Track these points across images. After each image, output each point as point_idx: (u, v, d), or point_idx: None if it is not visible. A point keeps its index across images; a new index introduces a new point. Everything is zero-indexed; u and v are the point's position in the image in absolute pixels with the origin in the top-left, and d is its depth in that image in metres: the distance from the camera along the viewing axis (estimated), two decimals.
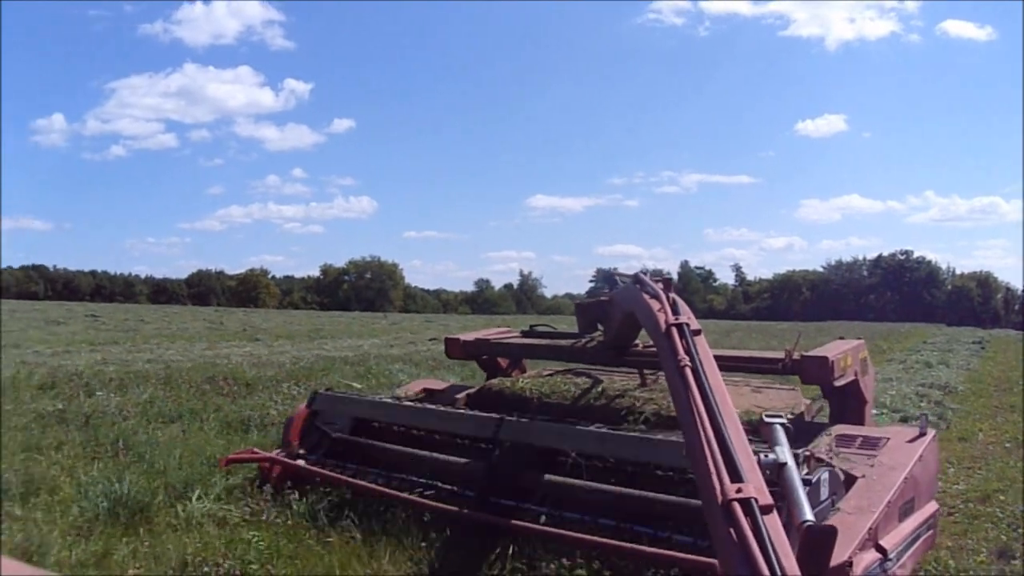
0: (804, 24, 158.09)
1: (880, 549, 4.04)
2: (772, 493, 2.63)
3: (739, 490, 2.53)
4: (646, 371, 6.17)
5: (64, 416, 9.20)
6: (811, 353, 5.47)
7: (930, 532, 4.88)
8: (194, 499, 5.61)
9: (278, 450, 6.11)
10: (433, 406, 6.13)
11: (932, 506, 4.98)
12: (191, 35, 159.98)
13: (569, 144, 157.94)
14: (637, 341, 5.80)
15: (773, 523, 2.44)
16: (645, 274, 4.83)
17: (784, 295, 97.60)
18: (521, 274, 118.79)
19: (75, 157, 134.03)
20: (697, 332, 3.75)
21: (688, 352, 3.49)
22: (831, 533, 2.86)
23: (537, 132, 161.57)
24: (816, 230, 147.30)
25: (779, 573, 2.22)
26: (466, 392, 6.76)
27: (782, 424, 3.43)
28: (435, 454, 5.54)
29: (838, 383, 5.39)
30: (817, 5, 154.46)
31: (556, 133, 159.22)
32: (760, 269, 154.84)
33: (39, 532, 5.02)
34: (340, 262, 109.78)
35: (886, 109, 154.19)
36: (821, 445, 4.81)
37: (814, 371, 5.35)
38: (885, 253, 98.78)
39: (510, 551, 4.43)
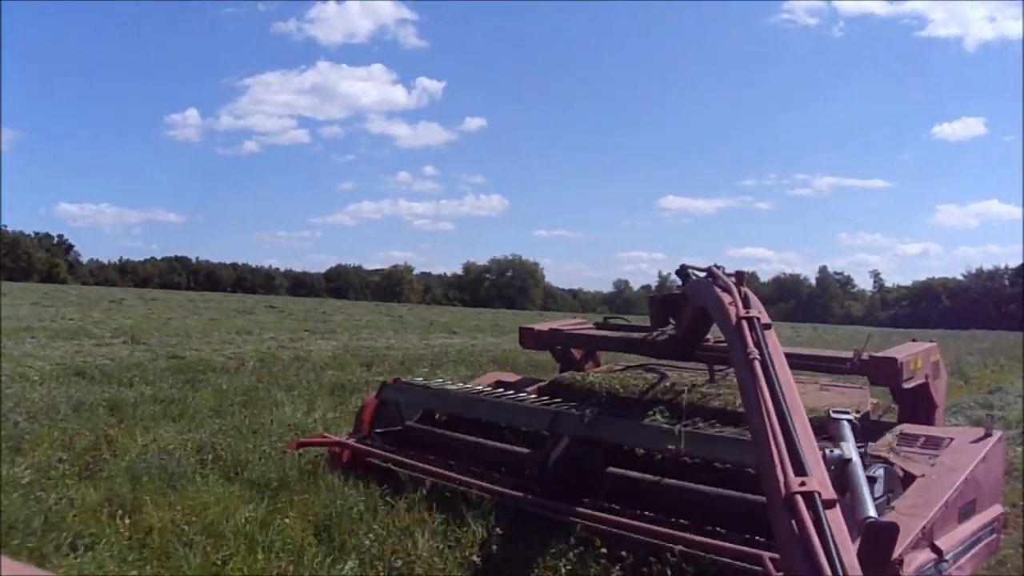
0: (942, 24, 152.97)
1: (935, 549, 3.97)
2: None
3: (803, 484, 2.53)
4: (716, 367, 6.17)
5: None
6: (880, 354, 5.42)
7: (993, 536, 4.75)
8: None
9: (348, 435, 6.35)
10: (497, 397, 6.21)
11: (996, 509, 4.85)
12: (324, 34, 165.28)
13: (701, 145, 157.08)
14: (708, 336, 5.80)
15: (835, 518, 2.43)
16: (719, 268, 4.80)
17: (923, 302, 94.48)
18: (660, 275, 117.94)
19: (209, 152, 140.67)
20: (767, 326, 3.75)
21: (757, 345, 3.50)
22: (893, 530, 2.84)
23: (669, 133, 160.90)
24: (953, 236, 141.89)
25: (839, 568, 2.20)
26: (537, 385, 6.81)
27: (849, 420, 3.43)
28: (502, 444, 5.69)
29: (907, 385, 5.33)
30: (955, 5, 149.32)
31: (688, 134, 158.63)
32: (894, 275, 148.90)
33: None
34: (470, 259, 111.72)
35: None
36: (882, 443, 4.75)
37: (882, 372, 5.30)
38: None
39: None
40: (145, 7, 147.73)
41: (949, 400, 13.81)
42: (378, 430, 6.29)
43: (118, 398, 9.06)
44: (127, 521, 4.85)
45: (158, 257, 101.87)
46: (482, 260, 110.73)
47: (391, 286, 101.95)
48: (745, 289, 4.25)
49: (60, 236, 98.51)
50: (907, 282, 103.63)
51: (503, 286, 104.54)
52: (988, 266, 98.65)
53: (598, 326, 7.23)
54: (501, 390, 6.53)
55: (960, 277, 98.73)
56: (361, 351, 17.56)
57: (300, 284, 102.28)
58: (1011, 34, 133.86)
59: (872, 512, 2.88)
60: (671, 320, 5.98)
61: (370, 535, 4.67)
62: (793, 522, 2.41)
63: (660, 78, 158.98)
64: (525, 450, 5.53)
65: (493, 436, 5.86)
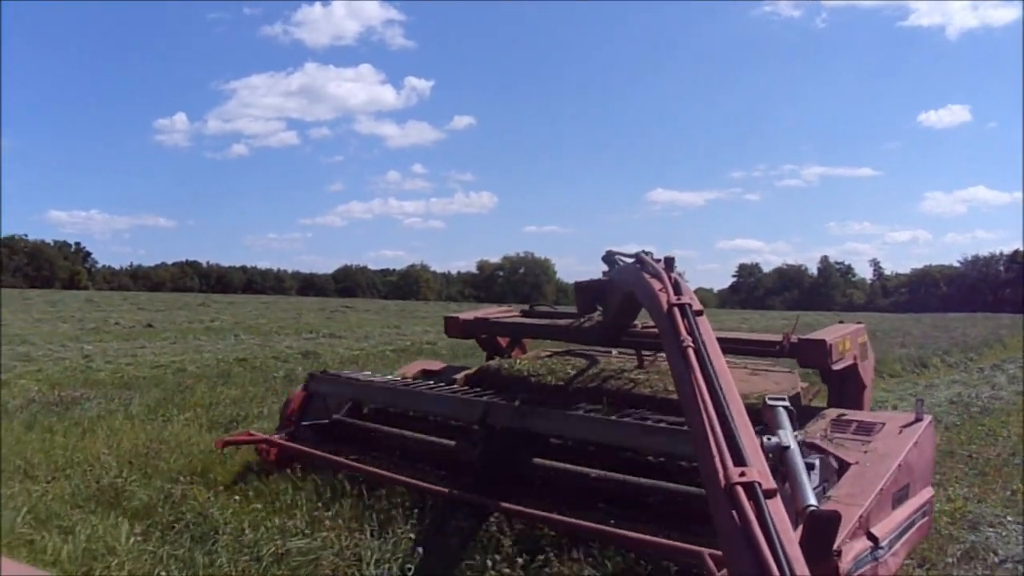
0: (924, 14, 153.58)
1: (871, 537, 3.96)
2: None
3: (743, 474, 2.45)
4: (644, 352, 6.11)
5: None
6: (809, 336, 5.41)
7: (925, 519, 4.75)
8: None
9: (276, 431, 6.22)
10: (427, 388, 6.13)
11: (927, 492, 4.84)
12: (311, 36, 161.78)
13: (689, 138, 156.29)
14: (636, 322, 5.73)
15: (776, 508, 2.36)
16: (647, 254, 4.70)
17: (921, 289, 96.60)
18: None
19: (198, 156, 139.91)
20: (699, 312, 3.61)
21: (691, 333, 3.39)
22: (835, 519, 2.79)
23: (657, 126, 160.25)
24: (941, 223, 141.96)
25: (783, 559, 2.14)
26: (464, 372, 6.73)
27: (785, 407, 3.34)
28: (430, 436, 5.57)
29: (836, 367, 5.31)
30: None
31: (676, 127, 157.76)
32: (885, 263, 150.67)
33: None
34: (462, 257, 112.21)
35: (1012, 98, 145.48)
36: (815, 430, 4.72)
37: (811, 354, 5.30)
38: (1022, 248, 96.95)
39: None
40: (131, 12, 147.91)
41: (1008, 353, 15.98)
42: (305, 423, 6.21)
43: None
44: None
45: (168, 262, 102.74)
46: (476, 257, 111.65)
47: (407, 285, 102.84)
48: (676, 275, 4.14)
49: (77, 244, 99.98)
50: (899, 269, 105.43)
51: (516, 282, 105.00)
52: (978, 252, 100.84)
53: (524, 313, 7.16)
54: (430, 382, 6.49)
55: (956, 264, 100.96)
56: None
57: (309, 285, 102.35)
58: (993, 22, 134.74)
59: (813, 501, 2.79)
60: (598, 307, 5.96)
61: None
62: (734, 513, 2.34)
63: (647, 73, 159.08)
64: (451, 443, 5.44)
65: (421, 428, 5.78)
